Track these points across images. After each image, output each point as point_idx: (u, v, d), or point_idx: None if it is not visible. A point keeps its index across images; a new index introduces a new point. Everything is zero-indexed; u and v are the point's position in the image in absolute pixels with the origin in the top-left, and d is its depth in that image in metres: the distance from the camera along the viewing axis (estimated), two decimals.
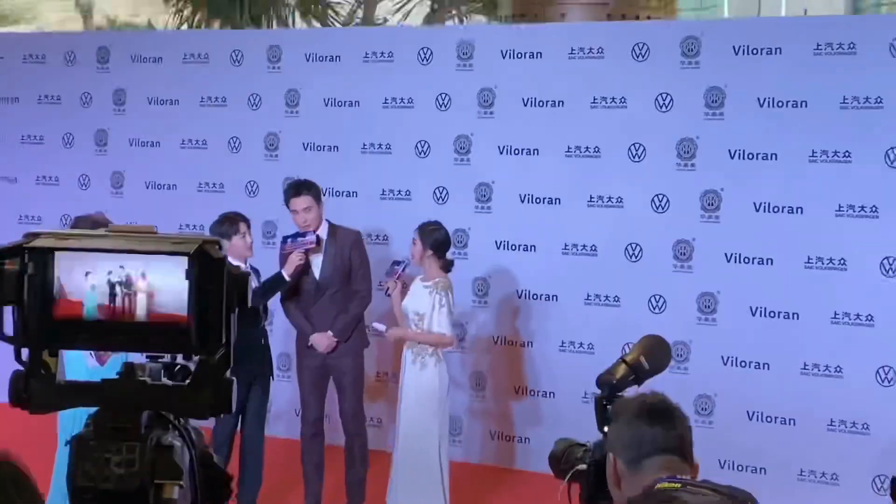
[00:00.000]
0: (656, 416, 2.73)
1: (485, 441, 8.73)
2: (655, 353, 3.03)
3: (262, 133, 9.31)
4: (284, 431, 8.50)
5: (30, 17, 37.87)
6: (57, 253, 1.68)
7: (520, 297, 8.57)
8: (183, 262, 1.69)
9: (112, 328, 1.70)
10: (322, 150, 9.09)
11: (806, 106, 7.75)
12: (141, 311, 1.70)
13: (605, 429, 2.82)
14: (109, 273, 1.69)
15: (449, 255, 7.19)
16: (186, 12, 17.65)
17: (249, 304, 1.76)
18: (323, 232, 7.22)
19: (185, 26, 17.27)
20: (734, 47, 7.94)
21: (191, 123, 9.52)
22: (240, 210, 7.41)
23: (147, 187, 9.70)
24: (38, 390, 1.73)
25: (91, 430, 1.72)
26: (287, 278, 7.04)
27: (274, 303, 7.57)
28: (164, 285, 1.70)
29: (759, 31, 8.06)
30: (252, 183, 9.33)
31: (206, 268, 1.70)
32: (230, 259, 6.08)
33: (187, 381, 1.79)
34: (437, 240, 7.07)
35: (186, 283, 1.69)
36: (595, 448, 2.85)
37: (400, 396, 7.10)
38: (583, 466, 2.83)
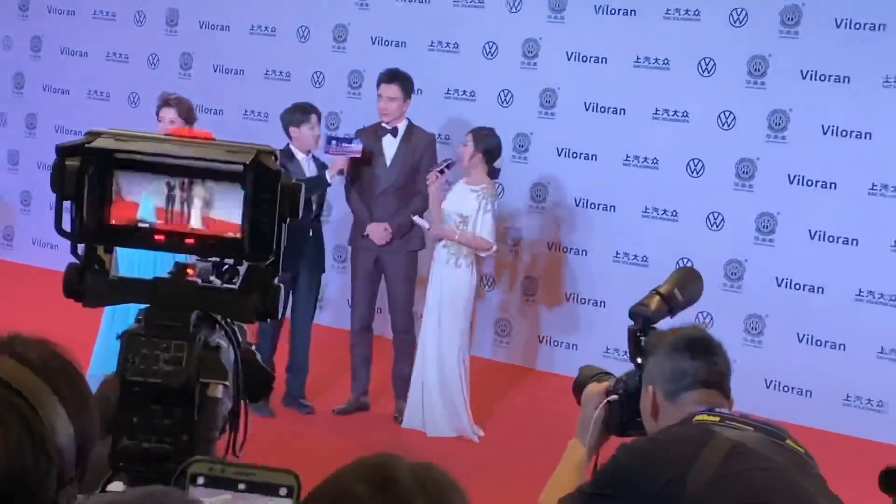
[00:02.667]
0: (698, 349, 2.75)
1: (531, 344, 8.80)
2: (689, 286, 3.02)
3: (332, 23, 9.29)
4: (333, 321, 8.63)
5: None
6: (116, 154, 1.72)
7: (577, 205, 8.57)
8: (238, 170, 1.72)
9: (167, 231, 1.75)
10: (389, 45, 9.06)
11: (884, 29, 7.59)
12: (196, 218, 1.75)
13: (638, 360, 2.84)
14: (168, 178, 1.74)
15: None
16: None
17: (300, 216, 1.80)
18: (402, 128, 7.27)
19: None
20: None
21: (260, 8, 9.51)
22: (305, 98, 7.46)
23: (215, 70, 9.74)
24: (92, 285, 1.79)
25: (142, 325, 1.79)
26: (329, 181, 7.05)
27: (332, 195, 7.63)
28: (220, 193, 1.74)
29: None
30: (318, 73, 9.34)
31: (261, 178, 1.73)
32: (294, 149, 6.17)
33: (237, 285, 1.84)
34: (489, 145, 7.06)
35: (241, 192, 1.73)
36: (627, 378, 2.87)
37: (428, 293, 7.15)
38: (615, 397, 2.85)
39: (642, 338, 2.85)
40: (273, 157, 1.76)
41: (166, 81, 9.19)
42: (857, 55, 7.64)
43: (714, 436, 2.52)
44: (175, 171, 1.74)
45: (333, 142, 6.96)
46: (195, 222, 1.76)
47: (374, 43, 9.13)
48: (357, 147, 6.94)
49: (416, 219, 7.17)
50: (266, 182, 1.74)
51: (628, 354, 2.89)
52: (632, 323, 2.89)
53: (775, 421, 2.75)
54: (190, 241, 1.76)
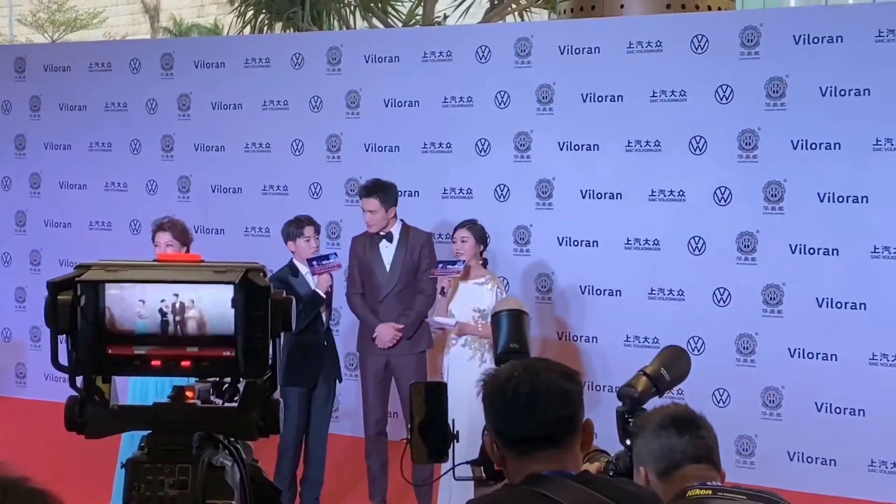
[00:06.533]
0: (684, 425, 2.75)
1: None
2: (676, 364, 3.04)
3: (324, 135, 9.40)
4: (350, 429, 8.59)
5: (97, 21, 38.51)
6: (107, 284, 1.74)
7: (583, 293, 8.57)
8: (229, 290, 1.74)
9: (163, 356, 1.76)
10: (383, 151, 9.16)
11: (869, 94, 7.67)
12: (190, 340, 1.76)
13: (627, 441, 2.84)
14: (162, 301, 1.76)
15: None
16: (249, 14, 17.78)
17: (293, 328, 1.81)
18: (396, 231, 7.33)
19: (247, 29, 17.42)
20: (794, 36, 7.88)
21: (254, 127, 9.64)
22: (303, 211, 7.52)
23: (213, 191, 9.83)
24: (92, 415, 1.80)
25: (144, 452, 1.79)
26: (323, 296, 7.05)
27: (342, 303, 7.65)
28: (212, 313, 1.75)
29: (819, 20, 7.98)
30: (315, 184, 9.42)
31: (251, 295, 1.75)
32: (297, 263, 6.19)
33: (236, 403, 1.85)
34: (483, 233, 7.14)
35: (232, 310, 1.74)
36: (618, 460, 2.87)
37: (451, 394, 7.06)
38: None
39: (630, 419, 2.87)
40: (262, 274, 1.78)
41: (166, 206, 9.28)
42: (845, 121, 7.71)
43: None
44: (166, 295, 1.76)
45: (314, 262, 6.98)
46: (190, 345, 1.77)
47: (367, 150, 9.22)
48: (335, 261, 6.96)
49: (436, 319, 7.15)
50: (256, 299, 1.75)
51: (618, 437, 2.90)
52: (620, 405, 2.92)
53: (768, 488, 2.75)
54: (186, 363, 1.77)
